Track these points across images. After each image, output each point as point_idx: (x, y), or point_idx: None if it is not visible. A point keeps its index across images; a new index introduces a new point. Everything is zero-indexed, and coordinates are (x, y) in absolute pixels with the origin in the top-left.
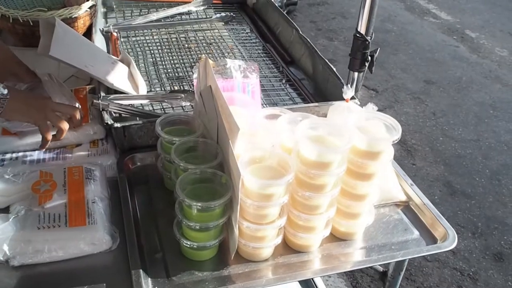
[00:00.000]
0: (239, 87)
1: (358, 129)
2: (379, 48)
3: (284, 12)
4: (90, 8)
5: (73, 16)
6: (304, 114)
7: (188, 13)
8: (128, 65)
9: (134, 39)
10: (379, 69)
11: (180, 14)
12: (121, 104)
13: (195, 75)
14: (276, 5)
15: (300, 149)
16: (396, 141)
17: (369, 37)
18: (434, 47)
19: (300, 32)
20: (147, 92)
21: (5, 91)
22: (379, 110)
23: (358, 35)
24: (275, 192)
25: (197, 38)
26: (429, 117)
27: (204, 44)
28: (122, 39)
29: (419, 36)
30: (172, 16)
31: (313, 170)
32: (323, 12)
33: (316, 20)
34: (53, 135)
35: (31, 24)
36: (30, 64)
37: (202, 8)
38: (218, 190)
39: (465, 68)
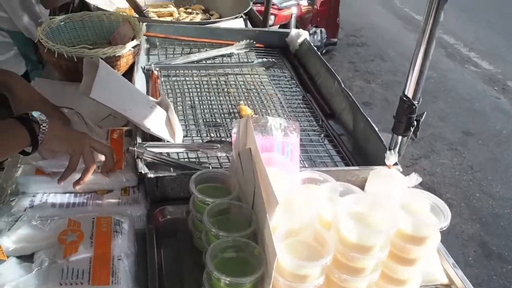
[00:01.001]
0: (279, 146)
1: (402, 207)
2: (425, 112)
3: (323, 51)
4: (134, 47)
5: (116, 55)
6: (345, 185)
7: (230, 55)
8: (167, 109)
9: (174, 78)
10: None
11: (222, 56)
12: (156, 152)
13: (234, 130)
14: (316, 50)
15: (340, 227)
16: (444, 228)
17: (416, 102)
18: (474, 97)
19: (342, 85)
20: (183, 137)
21: (45, 119)
22: (414, 159)
23: (405, 98)
24: (310, 273)
25: (237, 82)
26: (466, 170)
27: (243, 89)
28: (162, 78)
29: (459, 84)
30: (214, 58)
31: (353, 252)
32: (362, 54)
33: (355, 61)
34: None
35: (75, 60)
36: (71, 99)
37: (244, 51)
38: (250, 261)
39: (505, 120)
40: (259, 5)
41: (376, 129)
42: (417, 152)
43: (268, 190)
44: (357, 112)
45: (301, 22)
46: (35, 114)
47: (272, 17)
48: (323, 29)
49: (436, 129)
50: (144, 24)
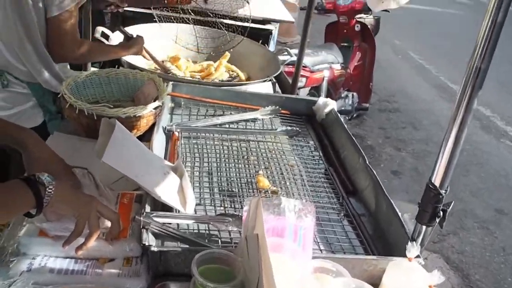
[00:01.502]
0: (291, 230)
1: None
2: (453, 202)
3: (354, 115)
4: (155, 108)
5: (137, 115)
6: (358, 282)
7: (254, 120)
8: (181, 176)
9: (194, 141)
10: None
11: (246, 120)
12: (164, 223)
13: (245, 207)
14: (343, 122)
15: None
16: None
17: (443, 191)
18: (509, 173)
19: (367, 162)
20: (196, 205)
21: (52, 181)
22: (442, 235)
23: (431, 186)
24: None
25: (259, 149)
26: (498, 252)
27: (264, 158)
28: (182, 140)
29: (493, 158)
30: (237, 122)
31: None
32: (394, 120)
33: (386, 127)
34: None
35: (95, 118)
36: (87, 156)
37: (269, 117)
38: None
39: None
40: (291, 66)
41: (399, 214)
42: (446, 228)
43: (270, 284)
44: (380, 193)
45: (333, 86)
46: (42, 176)
47: (303, 79)
48: (355, 94)
49: (467, 205)
50: (171, 83)
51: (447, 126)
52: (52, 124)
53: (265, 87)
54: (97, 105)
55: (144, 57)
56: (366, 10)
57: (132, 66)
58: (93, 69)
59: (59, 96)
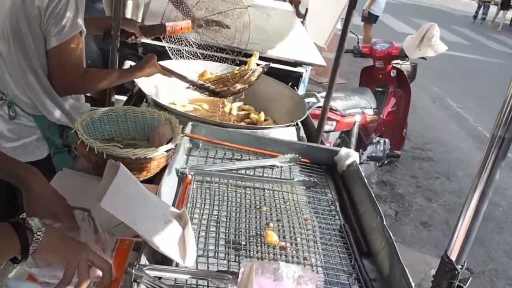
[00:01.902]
0: None
1: None
2: (471, 278)
3: (385, 162)
4: (167, 151)
5: (147, 157)
6: None
7: (272, 167)
8: (185, 225)
9: (207, 185)
10: (477, 246)
11: (263, 167)
12: (158, 278)
13: (241, 269)
14: (364, 176)
15: None
16: None
17: (460, 266)
18: None
19: (384, 222)
20: (198, 256)
21: (42, 227)
22: None
23: (446, 260)
24: None
25: (273, 199)
26: None
27: (277, 209)
28: (195, 184)
29: None
30: (254, 168)
31: None
32: (427, 169)
33: (418, 176)
34: None
35: (105, 157)
36: (93, 195)
37: (287, 165)
38: None
39: None
40: (318, 109)
41: (413, 285)
42: None
43: None
44: (395, 257)
45: (365, 131)
46: (32, 221)
47: (333, 123)
48: (387, 140)
49: (500, 265)
50: (190, 123)
51: None
52: (58, 157)
53: (288, 132)
54: (107, 144)
55: (166, 75)
56: (403, 56)
57: (156, 103)
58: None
59: (72, 131)
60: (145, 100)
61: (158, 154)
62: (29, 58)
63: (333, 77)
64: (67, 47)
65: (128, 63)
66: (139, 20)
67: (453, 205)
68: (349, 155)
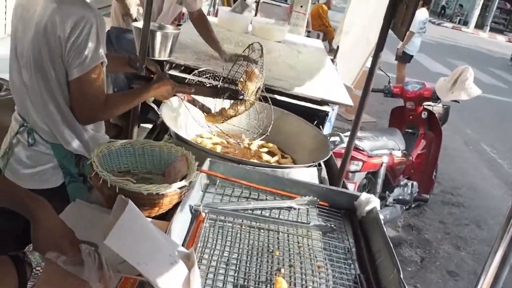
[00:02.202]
0: None
1: None
2: None
3: (412, 206)
4: (180, 188)
5: (160, 193)
6: None
7: (289, 209)
8: (191, 266)
9: (220, 224)
10: None
11: (279, 208)
12: None
13: None
14: (383, 223)
15: None
16: None
17: None
18: None
19: (401, 275)
20: None
21: (42, 261)
22: None
23: None
24: None
25: (287, 243)
26: None
27: (290, 254)
28: (208, 222)
29: None
30: (270, 209)
31: None
32: (456, 215)
33: (447, 222)
34: None
35: (117, 191)
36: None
37: (305, 207)
38: None
39: None
40: (342, 147)
41: None
42: None
43: None
44: None
45: (392, 173)
46: (32, 255)
47: (359, 163)
48: (415, 183)
49: None
50: (208, 159)
51: None
52: (73, 186)
53: (310, 172)
54: (121, 177)
55: (182, 98)
56: (435, 98)
57: (178, 137)
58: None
59: (88, 162)
60: (168, 132)
61: (171, 191)
62: (50, 88)
63: (358, 117)
64: (88, 78)
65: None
66: (167, 51)
67: (483, 254)
68: (370, 201)
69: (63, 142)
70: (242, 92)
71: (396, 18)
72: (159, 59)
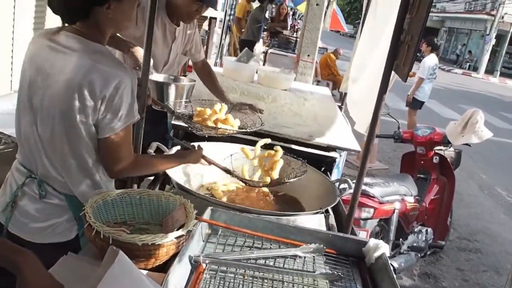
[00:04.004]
0: None
1: None
2: None
3: (428, 253)
4: (177, 237)
5: (156, 243)
6: None
7: (294, 257)
8: None
9: (222, 274)
10: None
11: (284, 257)
12: None
13: None
14: (393, 270)
15: None
16: None
17: None
18: None
19: None
20: None
21: None
22: None
23: None
24: None
25: None
26: None
27: None
28: (208, 273)
29: None
30: (274, 258)
31: None
32: (474, 261)
33: (464, 268)
34: None
35: (110, 242)
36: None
37: (311, 255)
38: None
39: None
40: (349, 194)
41: None
42: None
43: None
44: None
45: (405, 219)
46: None
47: (371, 210)
48: (429, 229)
49: None
50: (209, 208)
51: None
52: (85, 239)
53: (317, 219)
54: (114, 228)
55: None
56: (446, 142)
57: (182, 188)
58: None
59: (82, 213)
60: (170, 182)
61: (168, 241)
62: (74, 145)
63: (364, 163)
64: (119, 137)
65: (154, 145)
66: (183, 102)
67: None
68: (378, 247)
69: (78, 194)
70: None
71: (398, 59)
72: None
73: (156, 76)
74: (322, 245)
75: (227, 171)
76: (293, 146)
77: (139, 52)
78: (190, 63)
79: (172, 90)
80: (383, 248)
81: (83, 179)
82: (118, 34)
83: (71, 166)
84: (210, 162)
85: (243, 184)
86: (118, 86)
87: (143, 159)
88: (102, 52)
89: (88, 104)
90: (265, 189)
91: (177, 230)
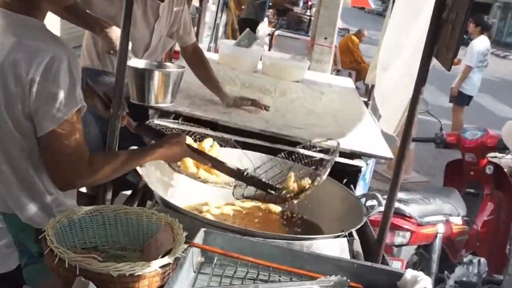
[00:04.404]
0: None
1: None
2: None
3: None
4: (162, 267)
5: (135, 274)
6: None
7: None
8: None
9: None
10: None
11: None
12: None
13: None
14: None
15: None
16: None
17: None
18: None
19: None
20: None
21: None
22: None
23: None
24: None
25: None
26: None
27: None
28: None
29: None
30: None
31: None
32: None
33: None
34: None
35: (78, 272)
36: None
37: None
38: None
39: None
40: (378, 213)
41: None
42: None
43: None
44: None
45: (451, 246)
46: None
47: (406, 234)
48: (483, 260)
49: None
50: (202, 229)
51: None
52: (30, 270)
53: (338, 244)
54: (83, 255)
55: (199, 161)
56: (502, 148)
57: (167, 204)
58: None
59: (41, 236)
60: (153, 198)
61: (150, 271)
62: (7, 151)
63: (398, 173)
64: (66, 129)
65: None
66: (169, 96)
67: None
68: (418, 280)
69: (18, 211)
70: (279, 189)
71: (440, 43)
72: (156, 105)
73: (136, 62)
74: (345, 278)
75: (236, 174)
76: (307, 152)
77: (115, 32)
78: (178, 47)
79: (155, 79)
80: (423, 282)
81: (26, 196)
82: (88, 11)
83: (5, 175)
84: (208, 160)
85: (243, 206)
86: (51, 65)
87: (101, 159)
88: (31, 26)
89: (13, 90)
90: (273, 206)
91: (162, 257)
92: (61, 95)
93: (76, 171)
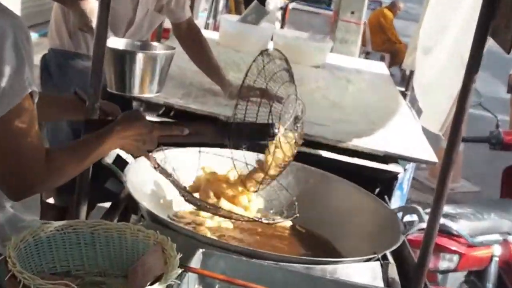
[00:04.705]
0: None
1: None
2: None
3: None
4: None
5: None
6: None
7: None
8: None
9: None
10: None
11: None
12: None
13: None
14: None
15: None
16: None
17: None
18: None
19: None
20: None
21: None
22: None
23: None
24: None
25: None
26: None
27: None
28: None
29: None
30: None
31: None
32: None
33: None
34: None
35: None
36: None
37: None
38: None
39: None
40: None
41: None
42: None
43: None
44: None
45: (509, 271)
46: None
47: (454, 257)
48: None
49: None
50: (200, 250)
51: None
52: None
53: (368, 270)
54: (52, 281)
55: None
56: None
57: (156, 219)
58: None
59: (2, 257)
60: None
61: None
62: None
63: (443, 181)
64: (12, 121)
65: None
66: (155, 84)
67: None
68: None
69: None
70: (274, 124)
71: (498, 18)
72: (139, 95)
73: (115, 42)
74: None
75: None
76: (330, 155)
77: (90, 4)
78: (168, 24)
79: (138, 63)
80: None
81: None
82: None
83: None
84: (179, 128)
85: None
86: None
87: (58, 152)
88: None
89: None
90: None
91: (151, 284)
92: (5, 78)
93: (32, 171)
